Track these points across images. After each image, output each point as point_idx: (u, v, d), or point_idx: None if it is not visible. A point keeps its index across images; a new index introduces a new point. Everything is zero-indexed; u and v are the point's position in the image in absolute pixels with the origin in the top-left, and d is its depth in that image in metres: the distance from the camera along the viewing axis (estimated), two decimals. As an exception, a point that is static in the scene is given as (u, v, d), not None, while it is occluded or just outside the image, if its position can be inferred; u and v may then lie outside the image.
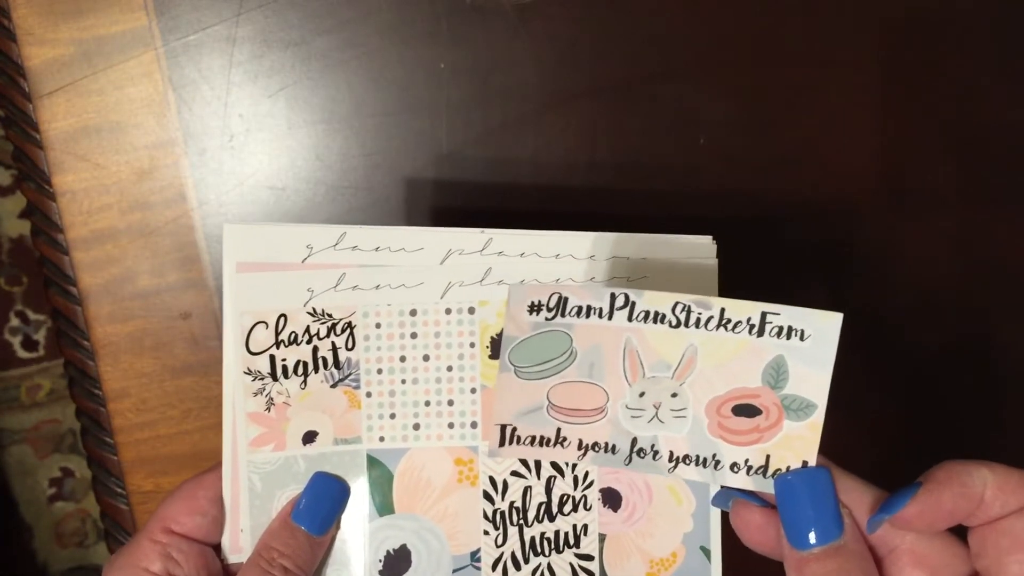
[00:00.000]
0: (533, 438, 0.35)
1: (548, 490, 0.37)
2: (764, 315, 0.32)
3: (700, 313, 0.32)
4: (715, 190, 0.42)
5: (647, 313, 0.33)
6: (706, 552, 0.37)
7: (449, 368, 0.37)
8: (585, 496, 0.37)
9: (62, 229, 0.42)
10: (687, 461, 0.34)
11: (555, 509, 0.37)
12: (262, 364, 0.36)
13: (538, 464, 0.37)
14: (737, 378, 0.33)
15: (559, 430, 0.35)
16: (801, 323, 0.32)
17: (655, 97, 0.42)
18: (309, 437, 0.37)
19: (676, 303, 0.33)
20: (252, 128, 0.42)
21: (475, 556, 0.37)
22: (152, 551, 0.34)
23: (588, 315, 0.34)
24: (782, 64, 0.42)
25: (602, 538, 0.37)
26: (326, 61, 0.42)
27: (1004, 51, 0.42)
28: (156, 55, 0.42)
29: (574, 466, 0.37)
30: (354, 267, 0.36)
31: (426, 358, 0.37)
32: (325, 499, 0.36)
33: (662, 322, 0.33)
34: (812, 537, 0.30)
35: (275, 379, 0.36)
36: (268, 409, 0.37)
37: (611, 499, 0.37)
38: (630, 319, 0.33)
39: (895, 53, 0.42)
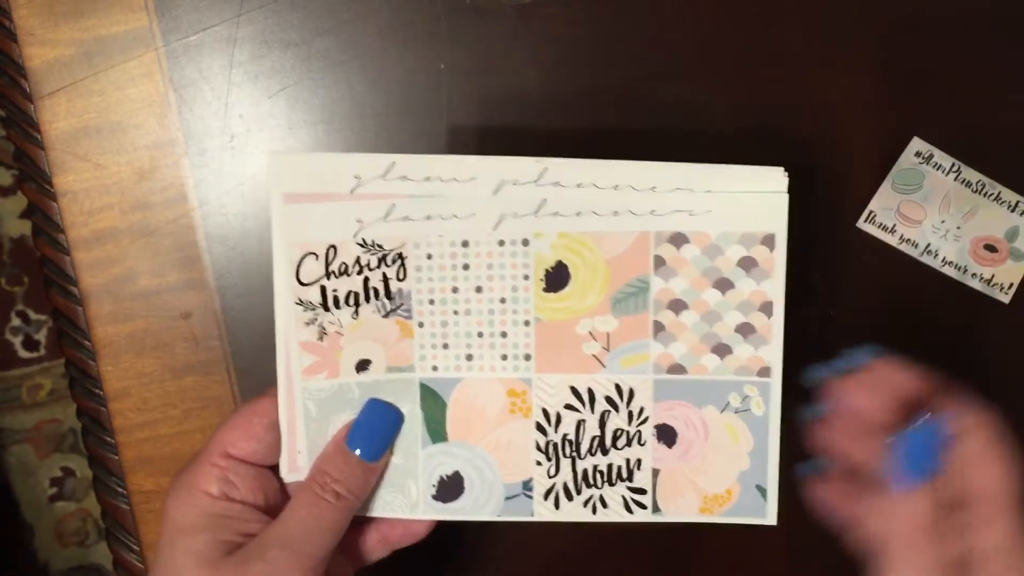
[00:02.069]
0: None
1: (602, 424, 0.37)
2: None
3: None
4: (715, 190, 0.42)
5: None
6: (762, 491, 0.37)
7: (502, 300, 0.36)
8: (640, 431, 0.37)
9: (63, 229, 0.42)
10: None
11: (608, 443, 0.37)
12: (313, 295, 0.36)
13: (592, 397, 0.37)
14: None
15: None
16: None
17: (655, 97, 0.42)
18: (362, 365, 0.37)
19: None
20: (253, 128, 0.42)
21: (527, 485, 0.38)
22: (211, 474, 0.34)
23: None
24: (782, 64, 0.42)
25: (655, 473, 0.37)
26: (326, 61, 0.42)
27: (1004, 51, 0.42)
28: (157, 55, 0.42)
29: (629, 401, 0.37)
30: (404, 197, 0.35)
31: (479, 289, 0.36)
32: (379, 426, 0.36)
33: None
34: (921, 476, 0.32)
35: (326, 309, 0.36)
36: (321, 339, 0.36)
37: (666, 435, 0.37)
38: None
39: (895, 54, 0.42)
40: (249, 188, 0.42)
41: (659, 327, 0.37)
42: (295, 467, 0.37)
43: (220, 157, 0.42)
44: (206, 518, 0.34)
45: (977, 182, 0.42)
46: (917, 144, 0.42)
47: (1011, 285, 0.42)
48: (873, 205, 0.42)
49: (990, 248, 0.42)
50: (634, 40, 0.42)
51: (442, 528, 0.38)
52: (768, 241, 0.36)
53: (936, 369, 0.43)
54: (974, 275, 0.42)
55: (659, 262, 0.36)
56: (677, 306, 0.36)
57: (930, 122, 0.42)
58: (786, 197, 0.35)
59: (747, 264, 0.36)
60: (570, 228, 0.36)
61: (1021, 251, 0.42)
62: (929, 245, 0.42)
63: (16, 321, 1.05)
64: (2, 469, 1.05)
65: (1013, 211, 0.42)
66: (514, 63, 0.42)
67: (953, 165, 0.42)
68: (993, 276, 0.42)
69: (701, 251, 0.36)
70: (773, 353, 0.36)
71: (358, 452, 0.36)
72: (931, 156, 0.42)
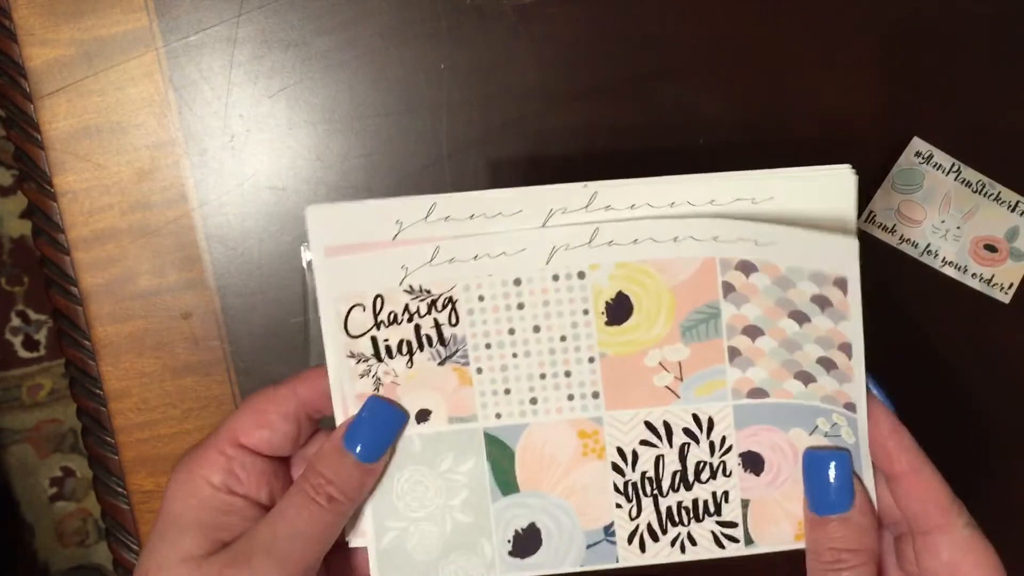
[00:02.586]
0: None
1: (682, 458, 0.35)
2: None
3: None
4: (715, 190, 0.42)
5: None
6: None
7: (563, 338, 0.35)
8: (724, 462, 0.35)
9: (63, 229, 0.42)
10: None
11: (691, 477, 0.35)
12: (364, 346, 0.34)
13: (669, 430, 0.35)
14: None
15: None
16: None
17: (655, 97, 0.42)
18: (422, 415, 0.35)
19: None
20: (253, 128, 0.42)
21: (609, 530, 0.35)
22: (217, 462, 0.33)
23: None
24: (782, 64, 0.42)
25: (745, 504, 0.35)
26: (327, 61, 0.42)
27: (1004, 52, 0.42)
28: (157, 55, 0.42)
29: (709, 431, 0.35)
30: (448, 239, 0.34)
31: (536, 329, 0.35)
32: (379, 425, 0.34)
33: None
34: (826, 506, 0.33)
35: (379, 359, 0.35)
36: (377, 389, 0.35)
37: (752, 463, 0.35)
38: None
39: (895, 54, 0.42)
40: (249, 188, 0.42)
41: (735, 352, 0.35)
42: (359, 530, 0.35)
43: (220, 157, 0.42)
44: (203, 511, 0.32)
45: (977, 182, 0.42)
46: (917, 144, 0.42)
47: (1011, 285, 0.42)
48: (873, 205, 0.42)
49: (990, 248, 0.42)
50: (634, 40, 0.42)
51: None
52: (841, 284, 0.33)
53: (936, 369, 0.43)
54: (974, 275, 0.42)
55: (728, 288, 0.34)
56: (753, 332, 0.34)
57: (930, 122, 0.42)
58: (856, 243, 0.33)
59: (821, 302, 0.34)
60: (628, 257, 0.34)
61: (1021, 251, 0.42)
62: (929, 245, 0.42)
63: (16, 321, 1.05)
64: (2, 469, 1.05)
65: (1013, 211, 0.42)
66: (514, 63, 0.42)
67: (953, 165, 0.42)
68: (993, 276, 0.42)
69: (772, 281, 0.34)
70: (857, 392, 0.34)
71: (356, 452, 0.34)
72: (931, 156, 0.42)
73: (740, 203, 0.34)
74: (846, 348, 0.34)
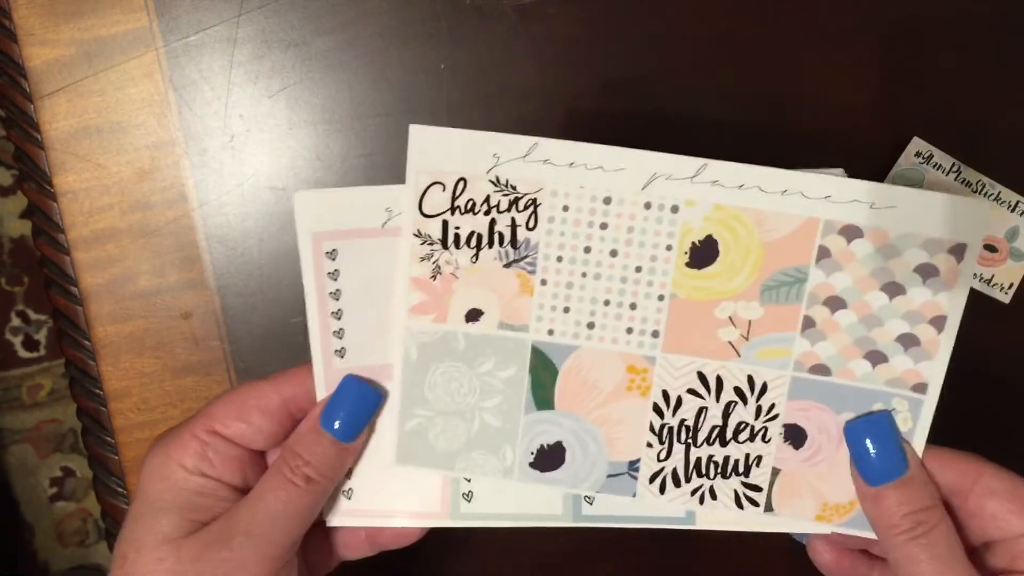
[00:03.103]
0: None
1: (725, 415, 0.35)
2: None
3: None
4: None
5: None
6: None
7: (638, 269, 0.33)
8: (766, 427, 0.35)
9: (63, 229, 0.42)
10: None
11: (729, 435, 0.35)
12: (433, 228, 0.33)
13: (720, 385, 0.35)
14: None
15: None
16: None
17: (655, 97, 0.42)
18: (473, 315, 0.34)
19: None
20: (253, 128, 0.42)
21: (633, 465, 0.35)
22: (190, 446, 0.33)
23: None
24: (782, 64, 0.42)
25: (775, 472, 0.35)
26: (326, 61, 0.42)
27: (1004, 52, 0.42)
28: (157, 55, 0.42)
29: (760, 395, 0.34)
30: (548, 140, 0.33)
31: (614, 253, 0.33)
32: (356, 404, 0.34)
33: None
34: (884, 473, 0.33)
35: (445, 247, 0.34)
36: (434, 277, 0.34)
37: (794, 436, 0.35)
38: None
39: (895, 54, 0.42)
40: (249, 188, 0.42)
41: (809, 322, 0.34)
42: (338, 510, 0.36)
43: (220, 157, 0.42)
44: (177, 493, 0.32)
45: (977, 182, 0.42)
46: (917, 144, 0.42)
47: (1011, 285, 0.42)
48: (873, 205, 0.42)
49: (990, 248, 0.42)
50: (634, 40, 0.42)
51: (438, 528, 0.38)
52: (957, 251, 0.32)
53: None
54: (974, 275, 0.42)
55: (823, 253, 0.33)
56: (834, 304, 0.34)
57: (930, 122, 0.42)
58: (987, 204, 0.33)
59: (926, 271, 0.33)
60: (728, 201, 0.33)
61: (1021, 251, 0.42)
62: (929, 245, 0.42)
63: (16, 321, 1.05)
64: (2, 469, 1.05)
65: (1013, 211, 0.42)
66: (514, 63, 0.42)
67: (953, 165, 0.42)
68: (993, 276, 0.42)
69: (875, 249, 0.33)
70: (935, 370, 0.34)
71: (333, 431, 0.34)
72: (931, 156, 0.42)
73: (857, 204, 0.33)
74: (939, 322, 0.33)
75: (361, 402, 0.34)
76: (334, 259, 0.35)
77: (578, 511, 0.37)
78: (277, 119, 0.42)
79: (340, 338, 0.35)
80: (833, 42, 0.42)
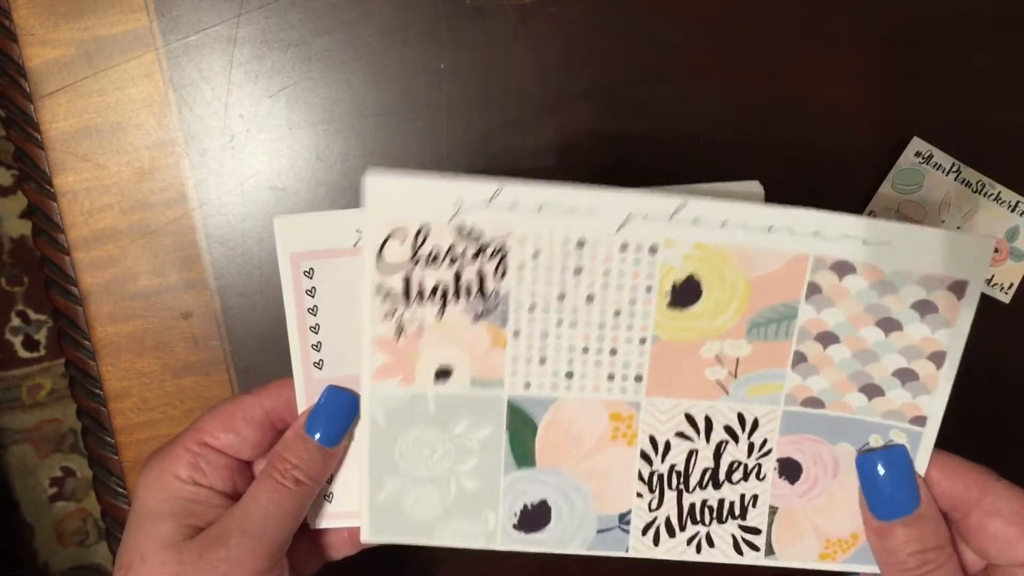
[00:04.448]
0: None
1: (717, 455, 0.33)
2: None
3: None
4: (715, 190, 0.42)
5: None
6: None
7: (617, 313, 0.32)
8: (759, 465, 0.33)
9: (63, 229, 0.42)
10: None
11: (722, 476, 0.34)
12: (394, 283, 0.31)
13: (709, 426, 0.33)
14: None
15: None
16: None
17: (655, 97, 0.42)
18: (443, 374, 0.33)
19: None
20: (253, 128, 0.42)
21: (624, 518, 0.34)
22: (183, 458, 0.35)
23: None
24: (782, 64, 0.42)
25: (773, 511, 0.34)
26: (326, 61, 0.42)
27: (1004, 52, 0.42)
28: (157, 55, 0.42)
29: (751, 432, 0.33)
30: (513, 182, 0.30)
31: (590, 299, 0.32)
32: (338, 412, 0.36)
33: None
34: (894, 508, 0.32)
35: (408, 302, 0.32)
36: (398, 337, 0.32)
37: (789, 470, 0.34)
38: None
39: (895, 54, 0.42)
40: (249, 188, 0.42)
41: (800, 357, 0.32)
42: (324, 512, 0.37)
43: (220, 157, 0.42)
44: (173, 502, 0.34)
45: (977, 182, 0.42)
46: (917, 144, 0.42)
47: (1011, 285, 0.42)
48: (873, 205, 0.42)
49: (990, 248, 0.42)
50: (634, 40, 0.42)
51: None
52: (957, 288, 0.31)
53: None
54: (974, 275, 0.42)
55: (813, 289, 0.31)
56: (826, 339, 0.32)
57: (930, 122, 0.42)
58: (992, 242, 0.31)
59: (924, 308, 0.31)
60: (710, 239, 0.31)
61: (1021, 251, 0.42)
62: (929, 245, 0.42)
63: (16, 321, 1.05)
64: (2, 469, 1.05)
65: (1013, 211, 0.42)
66: (514, 63, 0.42)
67: (953, 165, 0.42)
68: (993, 276, 0.42)
69: (868, 285, 0.31)
70: (935, 405, 0.33)
71: (317, 438, 0.36)
72: (931, 156, 0.42)
73: (848, 240, 0.31)
74: (938, 357, 0.32)
75: (342, 410, 0.36)
76: (311, 277, 0.35)
77: None
78: (277, 119, 0.42)
79: (318, 351, 0.36)
80: (833, 42, 0.42)
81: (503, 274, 0.31)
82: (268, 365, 0.43)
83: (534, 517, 0.34)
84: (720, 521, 0.34)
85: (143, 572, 0.33)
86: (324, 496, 0.37)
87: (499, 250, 0.31)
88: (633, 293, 0.32)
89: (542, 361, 0.32)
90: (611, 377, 0.33)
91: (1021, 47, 0.42)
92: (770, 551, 0.34)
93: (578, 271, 0.31)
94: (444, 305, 0.32)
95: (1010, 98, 0.42)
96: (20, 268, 1.05)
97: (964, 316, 0.31)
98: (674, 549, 0.34)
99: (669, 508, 0.34)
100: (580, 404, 0.33)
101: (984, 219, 0.42)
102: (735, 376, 0.33)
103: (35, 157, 0.42)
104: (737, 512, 0.34)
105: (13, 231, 1.05)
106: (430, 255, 0.31)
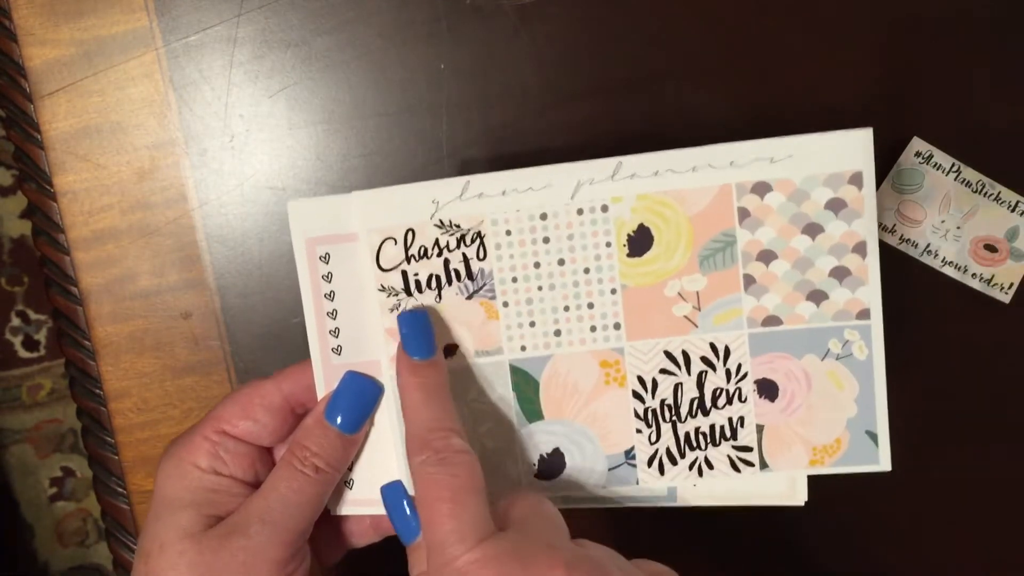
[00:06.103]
0: None
1: (700, 385, 0.37)
2: None
3: None
4: (715, 190, 0.42)
5: None
6: (872, 437, 0.36)
7: (586, 270, 0.36)
8: (739, 388, 0.37)
9: (63, 229, 0.42)
10: None
11: (708, 403, 0.37)
12: (395, 280, 0.36)
13: (687, 359, 0.36)
14: None
15: None
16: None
17: (655, 97, 0.42)
18: (449, 351, 0.37)
19: None
20: (253, 128, 0.42)
21: (629, 454, 0.37)
22: (202, 447, 0.35)
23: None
24: (783, 64, 0.42)
25: (760, 428, 0.37)
26: (327, 61, 0.42)
27: (1004, 51, 0.42)
28: (157, 55, 0.42)
29: (726, 358, 0.36)
30: (478, 175, 0.35)
31: (561, 262, 0.36)
32: (358, 398, 0.36)
33: None
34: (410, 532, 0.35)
35: (409, 294, 0.36)
36: None
37: (767, 389, 0.37)
38: None
39: (895, 54, 0.42)
40: (249, 188, 0.42)
41: (750, 280, 0.36)
42: (345, 500, 0.37)
43: (220, 157, 0.42)
44: (193, 491, 0.34)
45: (977, 182, 0.42)
46: (917, 144, 0.42)
47: (1011, 285, 0.42)
48: (873, 205, 0.42)
49: (990, 248, 0.42)
50: (634, 40, 0.42)
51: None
52: (856, 180, 0.35)
53: (936, 369, 0.43)
54: (974, 275, 0.42)
55: (744, 213, 0.35)
56: (766, 256, 0.36)
57: (930, 122, 0.42)
58: (870, 132, 0.35)
59: (835, 205, 0.35)
60: (649, 189, 0.35)
61: (1021, 251, 0.42)
62: (929, 245, 0.42)
63: (16, 321, 1.05)
64: (2, 469, 1.05)
65: (1013, 211, 0.42)
66: (514, 63, 0.42)
67: (953, 165, 0.42)
68: (993, 276, 0.42)
69: (787, 198, 0.35)
70: (872, 294, 0.36)
71: (337, 424, 0.36)
72: (931, 156, 0.42)
73: (759, 162, 0.35)
74: (861, 248, 0.35)
75: (362, 396, 0.36)
76: (327, 262, 0.36)
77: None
78: (277, 119, 0.42)
79: (336, 336, 0.37)
80: (833, 41, 0.42)
81: (484, 255, 0.36)
82: (268, 365, 0.43)
83: (551, 464, 0.37)
84: (715, 444, 0.37)
85: (161, 562, 0.33)
86: (345, 483, 0.37)
87: (477, 235, 0.36)
88: (596, 250, 0.36)
89: (532, 324, 0.36)
90: (593, 328, 0.36)
91: (1021, 47, 0.42)
92: (764, 465, 0.37)
93: (546, 240, 0.36)
94: (440, 291, 0.36)
95: (1010, 98, 0.42)
96: (20, 268, 1.05)
97: (869, 203, 0.35)
98: (679, 475, 0.37)
99: (667, 439, 0.37)
100: (572, 357, 0.37)
101: (984, 219, 0.42)
102: (699, 309, 0.36)
103: (35, 157, 0.42)
104: (728, 434, 0.37)
105: (13, 231, 1.05)
106: (420, 251, 0.36)
